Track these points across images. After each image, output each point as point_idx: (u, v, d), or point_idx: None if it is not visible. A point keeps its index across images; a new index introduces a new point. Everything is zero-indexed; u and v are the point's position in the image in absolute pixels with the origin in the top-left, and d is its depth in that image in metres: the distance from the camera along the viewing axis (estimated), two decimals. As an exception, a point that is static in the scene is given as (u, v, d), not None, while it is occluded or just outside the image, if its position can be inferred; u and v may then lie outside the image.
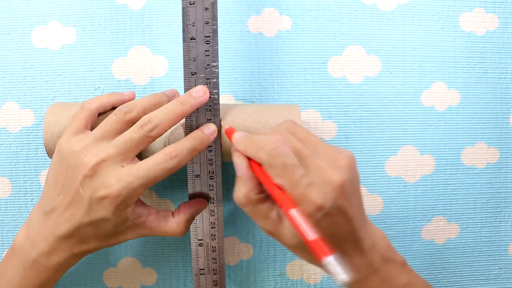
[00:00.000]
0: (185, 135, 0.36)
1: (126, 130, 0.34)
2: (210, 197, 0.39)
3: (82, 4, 0.42)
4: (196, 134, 0.35)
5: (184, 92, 0.36)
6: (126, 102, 0.36)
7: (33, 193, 0.43)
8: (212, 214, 0.39)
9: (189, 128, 0.37)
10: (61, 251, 0.34)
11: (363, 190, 0.44)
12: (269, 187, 0.30)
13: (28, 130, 0.43)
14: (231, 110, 0.38)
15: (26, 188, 0.43)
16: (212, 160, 0.38)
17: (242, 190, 0.31)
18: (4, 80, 0.43)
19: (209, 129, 0.36)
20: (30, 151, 0.43)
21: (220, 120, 0.37)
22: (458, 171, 0.45)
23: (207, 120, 0.37)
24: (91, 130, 0.35)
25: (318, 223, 0.29)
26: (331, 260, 0.25)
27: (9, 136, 0.43)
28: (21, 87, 0.43)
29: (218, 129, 0.37)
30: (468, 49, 0.44)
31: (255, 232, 0.44)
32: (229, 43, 0.43)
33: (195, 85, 0.36)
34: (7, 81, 0.43)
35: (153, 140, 0.34)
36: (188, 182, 0.38)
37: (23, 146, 0.43)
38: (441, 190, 0.45)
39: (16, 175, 0.43)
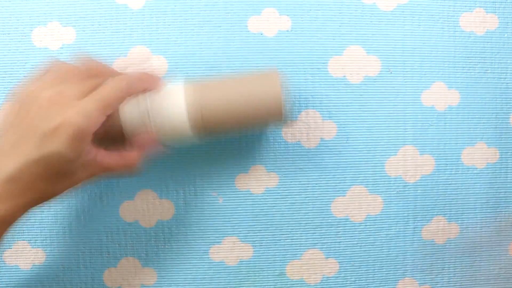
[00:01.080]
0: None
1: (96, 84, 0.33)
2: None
3: (82, 4, 0.43)
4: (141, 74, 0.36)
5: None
6: (141, 86, 0.36)
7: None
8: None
9: None
10: (4, 199, 0.30)
11: (363, 190, 0.44)
12: None
13: (28, 130, 0.43)
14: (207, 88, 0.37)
15: (26, 188, 0.43)
16: None
17: None
18: (4, 80, 0.43)
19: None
20: (30, 151, 0.43)
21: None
22: (458, 171, 0.45)
23: None
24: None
25: None
26: None
27: (9, 136, 0.43)
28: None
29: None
30: (468, 49, 0.44)
31: (255, 232, 0.44)
32: (229, 43, 0.43)
33: None
34: (7, 81, 0.43)
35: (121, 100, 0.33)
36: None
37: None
38: (441, 190, 0.45)
39: (16, 175, 0.43)
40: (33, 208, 0.34)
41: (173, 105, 0.35)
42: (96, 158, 0.32)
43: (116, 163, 0.34)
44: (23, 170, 0.29)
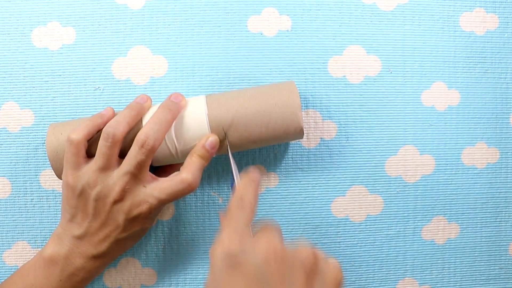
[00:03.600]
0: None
1: (118, 150, 0.36)
2: None
3: (82, 4, 0.42)
4: (199, 151, 0.37)
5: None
6: (108, 121, 0.37)
7: (33, 193, 0.43)
8: None
9: None
10: (95, 265, 0.38)
11: (363, 190, 0.44)
12: None
13: (28, 130, 0.43)
14: (225, 110, 0.38)
15: (26, 188, 0.43)
16: None
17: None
18: (4, 80, 0.43)
19: (210, 143, 0.37)
20: (30, 151, 0.43)
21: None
22: (458, 171, 0.45)
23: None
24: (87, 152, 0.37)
25: None
26: None
27: (9, 136, 0.43)
28: (21, 87, 0.43)
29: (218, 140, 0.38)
30: (468, 49, 0.44)
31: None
32: (229, 43, 0.43)
33: None
34: (7, 81, 0.43)
35: (156, 150, 0.36)
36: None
37: (23, 146, 0.43)
38: (441, 190, 0.45)
39: (16, 175, 0.43)
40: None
41: (197, 130, 0.37)
42: (159, 184, 0.37)
43: (178, 189, 0.37)
44: (113, 246, 0.38)
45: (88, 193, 0.36)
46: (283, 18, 0.43)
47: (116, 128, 0.36)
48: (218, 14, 0.43)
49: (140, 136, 0.36)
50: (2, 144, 0.43)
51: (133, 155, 0.36)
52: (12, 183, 0.43)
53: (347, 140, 0.44)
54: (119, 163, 0.37)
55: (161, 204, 0.36)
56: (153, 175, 0.37)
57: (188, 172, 0.36)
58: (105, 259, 0.38)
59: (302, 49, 0.43)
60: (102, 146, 0.36)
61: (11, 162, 0.43)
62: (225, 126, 0.37)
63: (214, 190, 0.44)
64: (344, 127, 0.44)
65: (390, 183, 0.45)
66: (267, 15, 0.43)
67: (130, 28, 0.43)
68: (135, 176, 0.36)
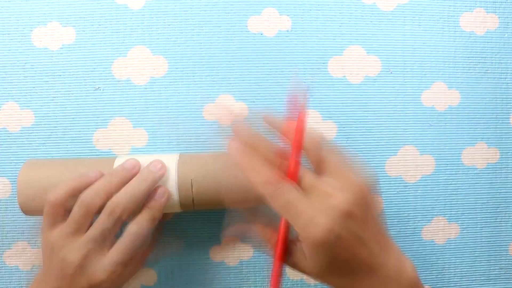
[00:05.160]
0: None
1: (92, 219, 0.36)
2: None
3: (82, 4, 0.42)
4: (151, 205, 0.37)
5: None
6: (93, 183, 0.37)
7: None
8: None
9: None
10: None
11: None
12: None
13: (28, 130, 0.43)
14: (186, 161, 0.38)
15: (26, 188, 0.43)
16: None
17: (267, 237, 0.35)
18: (4, 80, 0.43)
19: (160, 192, 0.37)
20: (30, 151, 0.43)
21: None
22: (459, 171, 0.45)
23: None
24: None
25: (333, 247, 0.31)
26: None
27: (9, 136, 0.43)
28: (21, 87, 0.43)
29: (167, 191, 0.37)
30: (468, 49, 0.44)
31: (255, 232, 0.44)
32: (229, 43, 0.43)
33: None
34: (7, 81, 0.43)
35: (125, 221, 0.36)
36: None
37: (23, 146, 0.43)
38: (441, 190, 0.45)
39: (16, 175, 0.43)
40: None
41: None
42: (117, 259, 0.37)
43: (128, 242, 0.37)
44: None
45: (57, 254, 0.36)
46: (283, 18, 0.43)
47: (92, 199, 0.35)
48: (218, 14, 0.43)
49: (109, 204, 0.35)
50: (2, 144, 0.43)
51: (100, 222, 0.35)
52: (12, 183, 0.43)
53: (347, 140, 0.44)
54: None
55: (121, 268, 0.36)
56: (116, 243, 0.37)
57: (134, 223, 0.36)
58: None
59: (302, 49, 0.43)
60: (75, 212, 0.36)
61: (11, 162, 0.43)
62: (193, 177, 0.37)
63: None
64: (344, 127, 0.44)
65: (390, 183, 0.45)
66: (267, 15, 0.43)
67: (130, 28, 0.43)
68: (99, 243, 0.36)
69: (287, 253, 0.34)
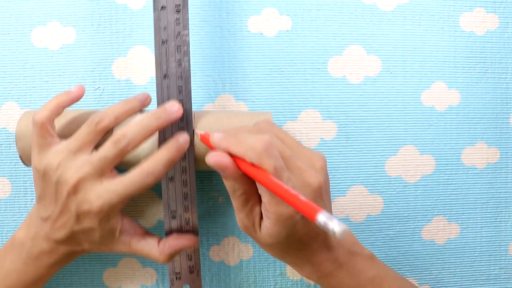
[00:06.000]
0: (158, 144, 0.37)
1: (98, 139, 0.35)
2: (185, 206, 0.38)
3: (82, 4, 0.42)
4: (170, 145, 0.35)
5: (156, 69, 0.36)
6: (74, 100, 0.36)
7: (33, 193, 0.43)
8: (187, 222, 0.39)
9: (162, 137, 0.37)
10: (60, 251, 0.37)
11: (363, 190, 0.44)
12: (259, 178, 0.30)
13: (28, 130, 0.43)
14: (202, 117, 0.38)
15: (26, 188, 0.43)
16: (186, 167, 0.37)
17: (236, 187, 0.32)
18: (4, 80, 0.43)
19: (183, 138, 0.36)
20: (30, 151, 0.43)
21: (194, 129, 0.37)
22: (459, 171, 0.45)
23: (180, 128, 0.37)
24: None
25: (296, 224, 0.32)
26: (325, 215, 0.25)
27: (9, 136, 0.43)
28: (21, 87, 0.43)
29: (191, 137, 0.37)
30: (468, 49, 0.44)
31: (255, 232, 0.44)
32: (229, 43, 0.43)
33: (166, 57, 0.36)
34: (7, 81, 0.43)
35: (128, 154, 0.35)
36: (162, 191, 0.38)
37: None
38: (441, 190, 0.45)
39: (16, 175, 0.43)
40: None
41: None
42: (130, 243, 0.37)
43: (147, 254, 0.38)
44: (71, 235, 0.36)
45: (50, 176, 0.35)
46: (283, 18, 0.43)
47: (102, 119, 0.35)
48: (218, 15, 0.43)
49: (117, 133, 0.35)
50: (2, 144, 0.43)
51: (103, 149, 0.34)
52: (12, 183, 0.43)
53: (347, 140, 0.44)
54: (91, 152, 0.35)
55: (117, 202, 0.34)
56: (116, 174, 0.36)
57: (148, 162, 0.34)
58: (66, 249, 0.37)
59: (302, 49, 0.43)
60: (82, 129, 0.35)
61: (11, 162, 0.43)
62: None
63: (214, 190, 0.44)
64: (344, 127, 0.44)
65: (390, 183, 0.45)
66: (267, 15, 0.43)
67: (130, 28, 0.43)
68: (97, 170, 0.34)
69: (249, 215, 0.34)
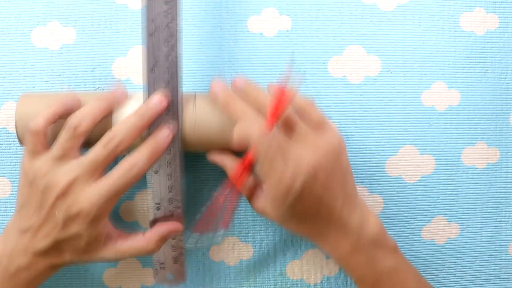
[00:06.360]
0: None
1: (80, 143, 0.35)
2: (169, 198, 0.38)
3: (82, 4, 0.42)
4: (150, 141, 0.36)
5: (143, 61, 0.36)
6: (70, 112, 0.36)
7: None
8: (172, 214, 0.39)
9: (147, 131, 0.37)
10: (39, 265, 0.36)
11: (363, 190, 0.44)
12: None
13: (28, 130, 0.43)
14: (204, 98, 0.38)
15: (26, 188, 0.43)
16: (170, 162, 0.37)
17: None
18: (4, 80, 0.43)
19: (163, 133, 0.36)
20: (30, 151, 0.43)
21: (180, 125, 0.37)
22: (459, 171, 0.45)
23: (165, 121, 0.37)
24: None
25: (294, 204, 0.35)
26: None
27: (9, 136, 0.43)
28: (21, 87, 0.43)
29: (176, 130, 0.37)
30: (468, 49, 0.44)
31: (255, 232, 0.44)
32: (229, 43, 0.43)
33: (153, 47, 0.36)
34: (7, 81, 0.43)
35: (119, 155, 0.35)
36: (147, 183, 0.38)
37: (23, 146, 0.43)
38: (441, 190, 0.45)
39: (16, 175, 0.43)
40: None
41: None
42: (116, 244, 0.37)
43: (134, 248, 0.37)
44: (53, 246, 0.35)
45: (37, 184, 0.35)
46: (283, 18, 0.43)
47: (80, 121, 0.35)
48: (218, 15, 0.43)
49: (106, 135, 0.35)
50: (2, 144, 0.43)
51: (94, 151, 0.35)
52: (12, 183, 0.43)
53: (347, 140, 0.44)
54: (78, 156, 0.36)
55: (104, 203, 0.34)
56: (105, 175, 0.35)
57: (130, 157, 0.35)
58: (45, 262, 0.36)
59: (302, 49, 0.43)
60: (61, 136, 0.35)
61: (11, 162, 0.43)
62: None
63: (214, 191, 0.44)
64: (344, 127, 0.44)
65: (390, 183, 0.45)
66: (267, 15, 0.43)
67: (130, 28, 0.43)
68: (88, 172, 0.34)
69: (253, 196, 0.38)
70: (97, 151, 0.35)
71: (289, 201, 0.35)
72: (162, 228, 0.38)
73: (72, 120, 0.35)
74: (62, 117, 0.36)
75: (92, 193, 0.34)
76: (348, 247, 0.37)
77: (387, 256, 0.38)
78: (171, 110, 0.37)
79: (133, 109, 0.37)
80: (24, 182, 0.36)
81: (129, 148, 0.36)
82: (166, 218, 0.39)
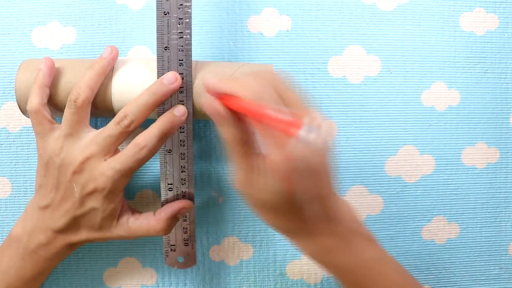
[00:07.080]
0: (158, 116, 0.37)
1: (86, 114, 0.36)
2: (182, 178, 0.38)
3: (82, 4, 0.42)
4: (164, 118, 0.36)
5: (157, 40, 0.36)
6: (49, 73, 0.36)
7: (33, 193, 0.43)
8: (184, 195, 0.39)
9: (161, 110, 0.37)
10: (57, 242, 0.37)
11: (363, 190, 0.44)
12: (251, 112, 0.29)
13: (28, 130, 0.43)
14: (203, 66, 0.38)
15: (26, 188, 0.43)
16: (184, 141, 0.38)
17: (231, 130, 0.31)
18: (4, 80, 0.43)
19: (178, 111, 0.36)
20: (30, 151, 0.43)
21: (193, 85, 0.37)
22: (458, 171, 0.45)
23: (179, 101, 0.37)
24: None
25: (293, 175, 0.30)
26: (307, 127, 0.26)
27: (9, 136, 0.43)
28: (21, 87, 0.43)
29: (189, 111, 0.37)
30: (468, 49, 0.44)
31: (255, 232, 0.44)
32: (229, 43, 0.43)
33: (168, 29, 0.36)
34: (7, 81, 0.43)
35: (132, 133, 0.36)
36: (160, 162, 0.38)
37: (23, 146, 0.43)
38: (441, 190, 0.45)
39: (16, 175, 0.43)
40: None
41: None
42: (128, 223, 0.38)
43: (146, 229, 0.38)
44: (71, 223, 0.36)
45: (53, 161, 0.36)
46: (283, 18, 0.43)
47: (78, 95, 0.35)
48: (218, 14, 0.43)
49: (119, 113, 0.35)
50: (2, 144, 0.43)
51: (107, 128, 0.35)
52: (12, 183, 0.43)
53: (347, 140, 0.44)
54: (89, 129, 0.36)
55: (119, 178, 0.35)
56: (120, 152, 0.36)
57: (141, 136, 0.35)
58: (63, 239, 0.37)
59: (302, 49, 0.43)
60: (66, 112, 0.36)
61: (11, 162, 0.43)
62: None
63: (214, 190, 0.44)
64: (344, 127, 0.44)
65: (390, 183, 0.45)
66: (267, 15, 0.43)
67: (130, 28, 0.43)
68: (102, 149, 0.35)
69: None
70: (110, 128, 0.35)
71: (289, 176, 0.30)
72: (172, 207, 0.38)
73: (70, 96, 0.36)
74: (48, 82, 0.36)
75: (107, 169, 0.35)
76: (331, 238, 0.33)
77: (365, 245, 0.35)
78: (186, 91, 0.37)
79: (133, 69, 0.37)
80: (41, 163, 0.37)
81: (144, 122, 0.36)
82: (177, 199, 0.39)
